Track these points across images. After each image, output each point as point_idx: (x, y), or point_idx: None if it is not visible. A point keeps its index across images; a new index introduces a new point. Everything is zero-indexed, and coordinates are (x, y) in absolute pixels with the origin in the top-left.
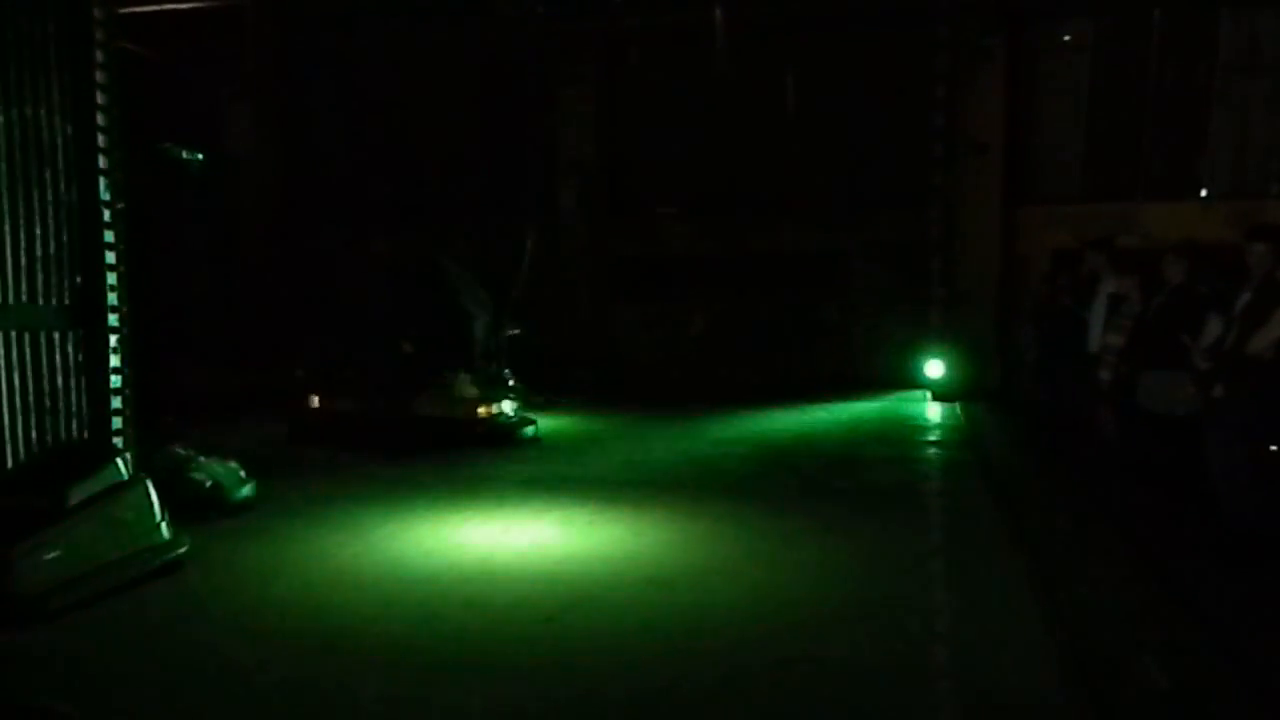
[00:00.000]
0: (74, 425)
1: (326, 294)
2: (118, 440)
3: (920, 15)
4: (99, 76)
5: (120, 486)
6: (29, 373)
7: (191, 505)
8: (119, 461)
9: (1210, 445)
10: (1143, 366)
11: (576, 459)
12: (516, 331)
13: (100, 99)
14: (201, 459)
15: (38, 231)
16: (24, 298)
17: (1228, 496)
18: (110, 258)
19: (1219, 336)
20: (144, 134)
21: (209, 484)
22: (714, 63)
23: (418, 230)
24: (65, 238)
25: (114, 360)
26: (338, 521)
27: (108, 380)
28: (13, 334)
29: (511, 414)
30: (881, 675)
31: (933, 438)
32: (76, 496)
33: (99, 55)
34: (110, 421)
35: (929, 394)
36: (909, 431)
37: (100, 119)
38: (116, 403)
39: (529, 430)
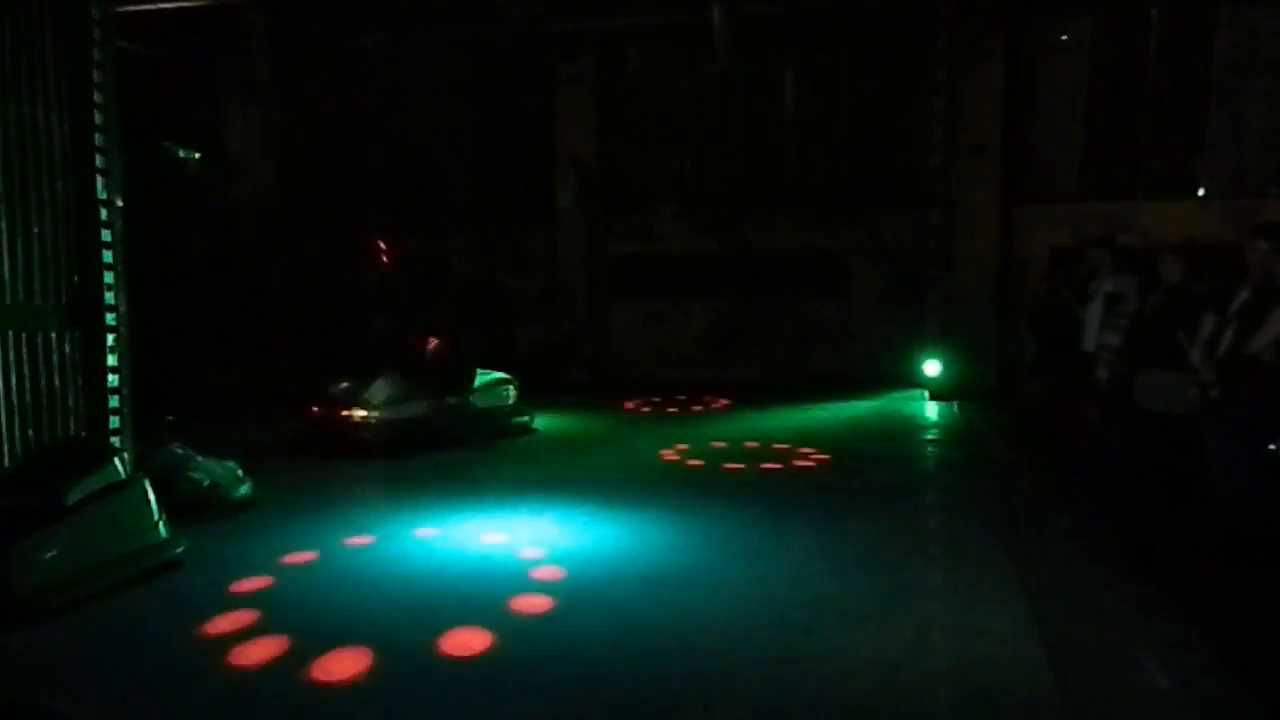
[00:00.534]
0: (72, 424)
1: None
2: (115, 439)
3: (919, 15)
4: (96, 75)
5: (118, 486)
6: (26, 372)
7: (189, 504)
8: (117, 461)
9: (1209, 444)
10: (1140, 365)
11: (574, 457)
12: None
13: (97, 97)
14: (199, 458)
15: (35, 230)
16: (21, 297)
17: (1226, 496)
18: (108, 257)
19: (1210, 335)
20: (142, 132)
21: (207, 483)
22: (713, 61)
23: (415, 228)
24: (62, 237)
25: (111, 359)
26: (336, 520)
27: (105, 379)
28: (10, 333)
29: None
30: (878, 673)
31: (930, 436)
32: (74, 496)
33: (96, 53)
34: (108, 421)
35: (927, 393)
36: (907, 430)
37: (97, 117)
38: (114, 402)
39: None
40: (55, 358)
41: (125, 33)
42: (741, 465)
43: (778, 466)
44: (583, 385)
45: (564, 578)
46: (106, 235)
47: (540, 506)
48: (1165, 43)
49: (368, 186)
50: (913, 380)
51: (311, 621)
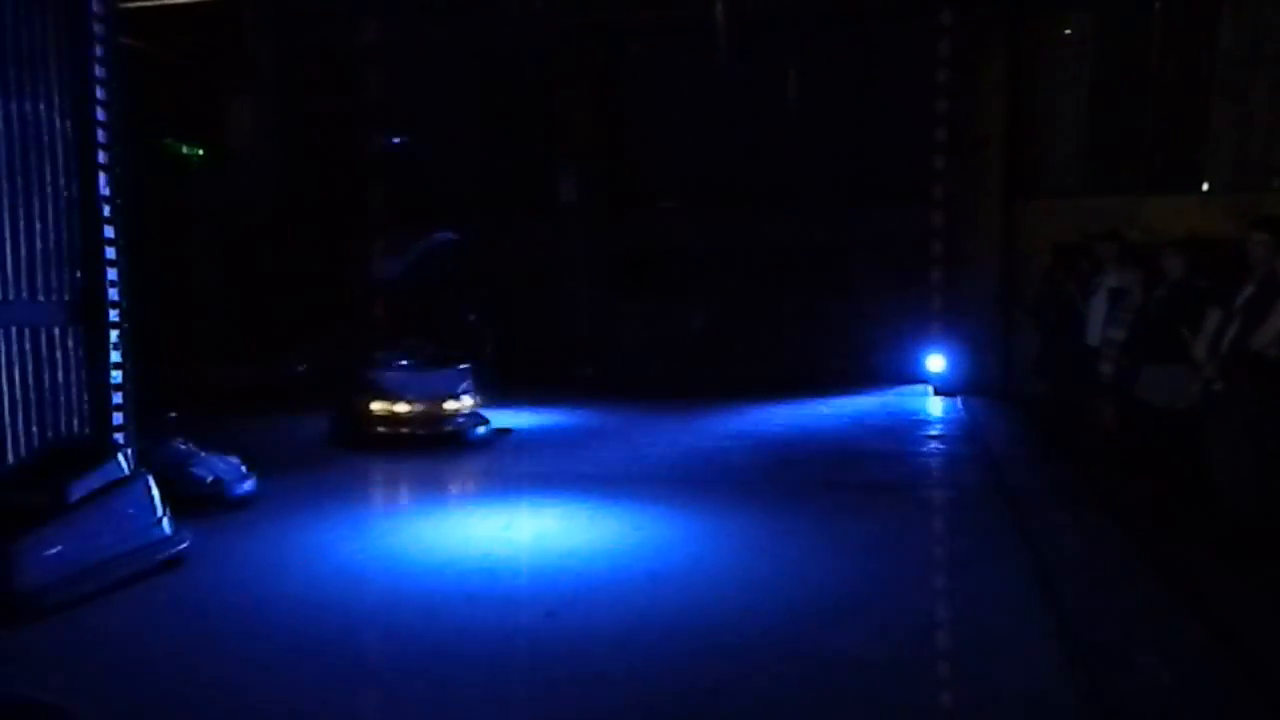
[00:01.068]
0: (75, 420)
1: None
2: (119, 435)
3: (922, 8)
4: (99, 71)
5: (121, 482)
6: (30, 368)
7: (192, 501)
8: (120, 457)
9: (1212, 439)
10: (1144, 360)
11: (578, 453)
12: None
13: (100, 94)
14: (202, 454)
15: (38, 227)
16: (24, 294)
17: (1229, 491)
18: (110, 253)
19: (1215, 330)
20: (144, 129)
21: (210, 479)
22: (715, 56)
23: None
24: (65, 233)
25: (114, 356)
26: (339, 517)
27: (108, 376)
28: (13, 330)
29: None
30: (883, 668)
31: (934, 432)
32: (77, 492)
33: (99, 50)
34: (111, 417)
35: (931, 388)
36: (911, 425)
37: (100, 114)
38: (117, 398)
39: (481, 430)
40: (58, 354)
41: (127, 29)
42: (745, 461)
43: (781, 462)
44: (586, 381)
45: (568, 574)
46: (109, 232)
47: (544, 503)
48: (1169, 37)
49: (369, 182)
50: (917, 376)
51: (314, 617)
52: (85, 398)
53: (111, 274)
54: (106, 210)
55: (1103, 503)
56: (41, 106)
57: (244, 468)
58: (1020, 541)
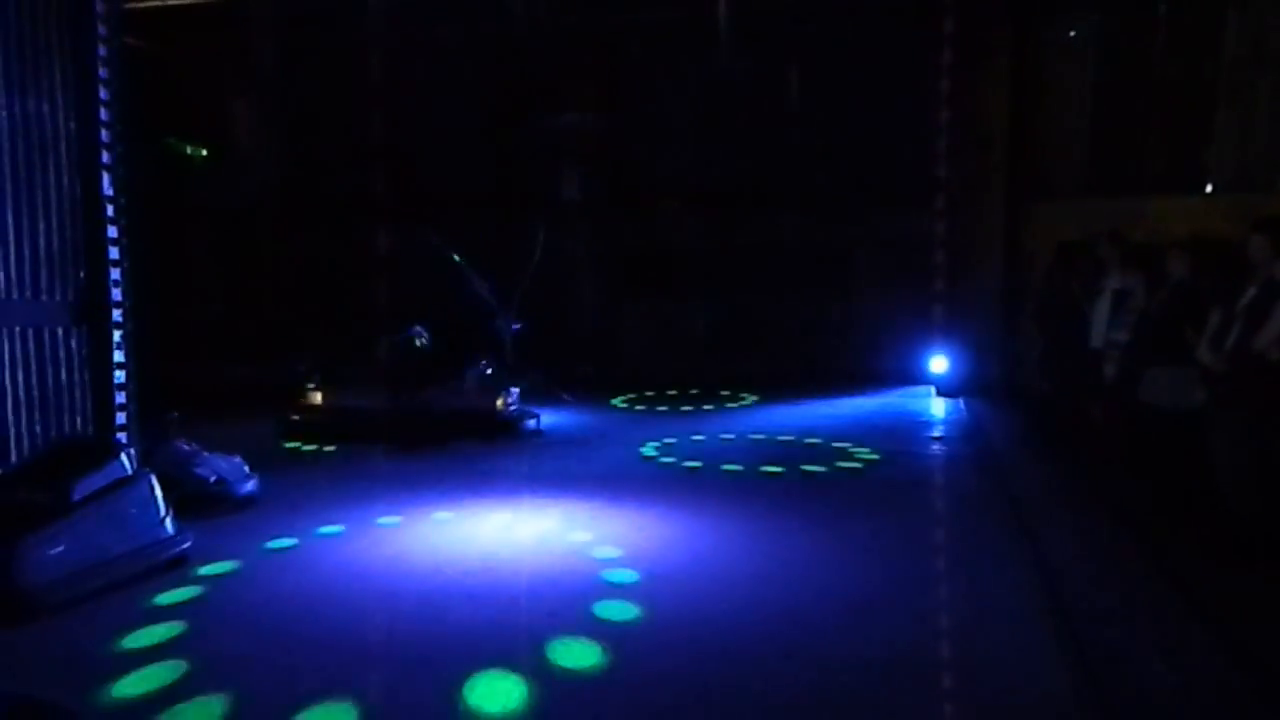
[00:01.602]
0: (78, 420)
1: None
2: (122, 435)
3: (925, 9)
4: (102, 71)
5: (124, 482)
6: (33, 368)
7: (195, 500)
8: (123, 457)
9: (1215, 442)
10: (1147, 362)
11: (580, 453)
12: (519, 326)
13: (104, 94)
14: (205, 454)
15: (41, 226)
16: (28, 293)
17: (1232, 493)
18: (114, 253)
19: (1216, 331)
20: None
21: (213, 479)
22: (718, 56)
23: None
24: (69, 233)
25: (118, 356)
26: (342, 516)
27: (111, 376)
28: (16, 330)
29: (516, 407)
30: (885, 670)
31: (937, 433)
32: (80, 492)
33: (102, 50)
34: (114, 417)
35: (933, 389)
36: (913, 426)
37: (104, 114)
38: (120, 398)
39: (531, 423)
40: (62, 354)
41: (131, 29)
42: (747, 460)
43: (783, 462)
44: (588, 381)
45: (572, 574)
46: (113, 232)
47: (546, 502)
48: (1172, 38)
49: (372, 181)
50: (919, 376)
51: (317, 616)
52: (89, 397)
53: (115, 274)
54: (110, 210)
55: (1105, 504)
56: (45, 106)
57: (246, 467)
58: (1022, 542)
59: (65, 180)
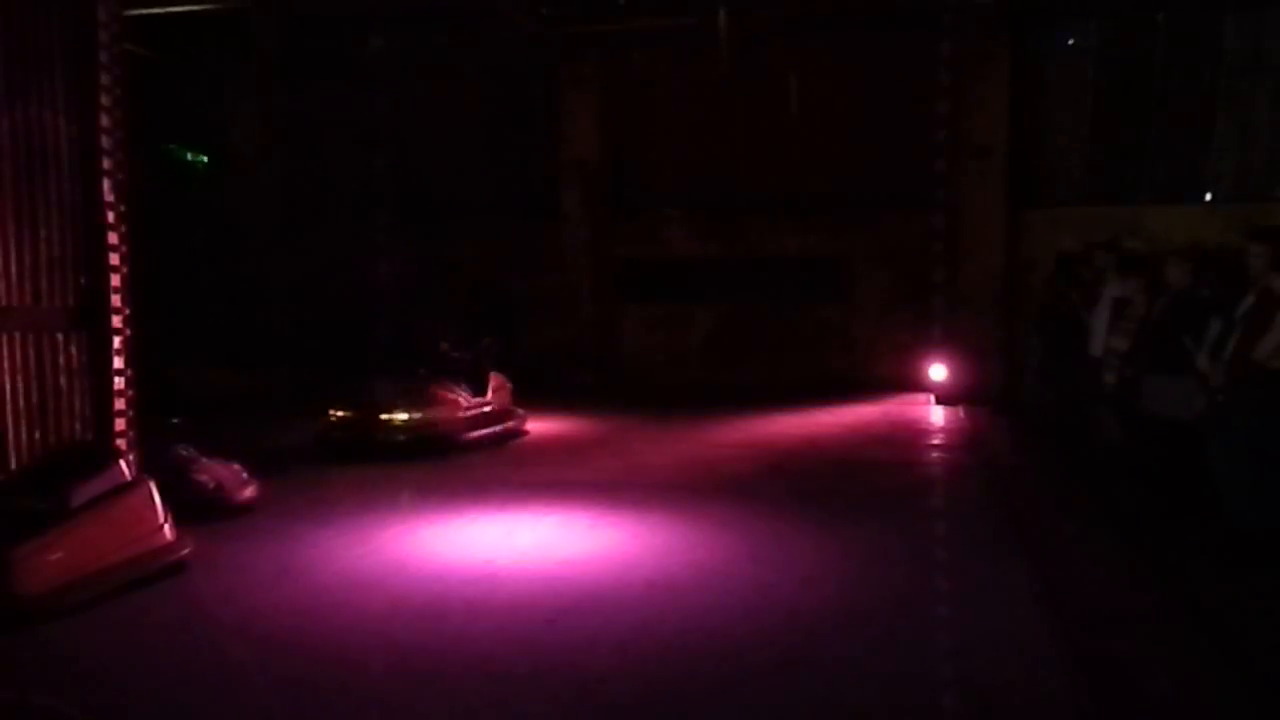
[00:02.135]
0: (78, 426)
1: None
2: (121, 441)
3: (924, 18)
4: (103, 78)
5: (123, 488)
6: (32, 374)
7: (194, 507)
8: (122, 463)
9: (1214, 449)
10: (1146, 370)
11: (578, 461)
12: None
13: (105, 100)
14: (204, 460)
15: (41, 233)
16: (28, 299)
17: (1231, 500)
18: (114, 259)
19: (1215, 339)
20: (148, 135)
21: (212, 485)
22: (717, 64)
23: (422, 232)
24: (69, 239)
25: (117, 362)
26: (341, 524)
27: (111, 381)
28: (16, 335)
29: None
30: (884, 677)
31: (936, 441)
32: (79, 498)
33: (103, 57)
34: (113, 423)
35: (932, 397)
36: (912, 435)
37: (104, 120)
38: (119, 404)
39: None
40: (61, 359)
41: (132, 36)
42: (745, 469)
43: (782, 470)
44: (588, 389)
45: (568, 582)
46: (113, 238)
47: (545, 510)
48: (1171, 47)
49: (373, 189)
50: (918, 384)
51: (315, 624)
52: (88, 403)
53: (115, 279)
54: (110, 216)
55: (1105, 513)
56: (46, 112)
57: (246, 474)
58: (1023, 551)
59: (66, 186)
